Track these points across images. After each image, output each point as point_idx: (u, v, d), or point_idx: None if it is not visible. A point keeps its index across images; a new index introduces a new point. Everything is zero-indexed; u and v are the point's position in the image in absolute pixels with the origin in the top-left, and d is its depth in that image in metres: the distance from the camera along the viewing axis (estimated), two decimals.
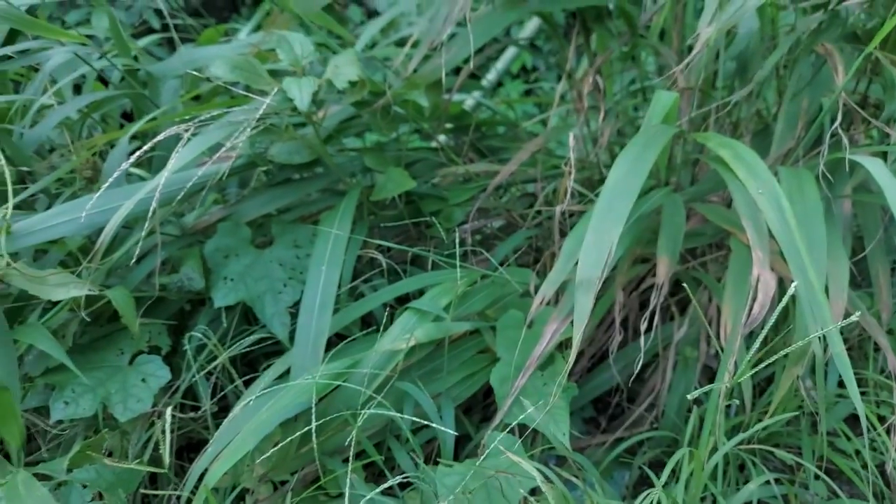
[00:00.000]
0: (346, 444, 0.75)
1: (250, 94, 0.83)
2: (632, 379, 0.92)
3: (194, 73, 0.84)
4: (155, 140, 0.79)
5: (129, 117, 1.32)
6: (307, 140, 0.94)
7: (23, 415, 0.75)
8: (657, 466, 0.91)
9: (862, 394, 1.00)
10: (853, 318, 0.49)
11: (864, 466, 0.86)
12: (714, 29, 0.70)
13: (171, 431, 0.81)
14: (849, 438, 0.89)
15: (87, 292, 0.78)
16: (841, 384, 1.04)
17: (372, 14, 2.57)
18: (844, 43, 1.01)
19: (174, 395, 0.88)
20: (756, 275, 0.65)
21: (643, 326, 0.76)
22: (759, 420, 0.87)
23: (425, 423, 0.73)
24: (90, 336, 0.88)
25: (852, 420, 0.91)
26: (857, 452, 0.88)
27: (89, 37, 1.20)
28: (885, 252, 0.95)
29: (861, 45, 0.92)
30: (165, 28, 1.33)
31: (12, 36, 1.05)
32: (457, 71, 1.09)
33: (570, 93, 1.19)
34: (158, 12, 2.16)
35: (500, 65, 1.65)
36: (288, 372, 0.82)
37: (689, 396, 0.51)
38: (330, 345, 0.85)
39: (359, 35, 1.33)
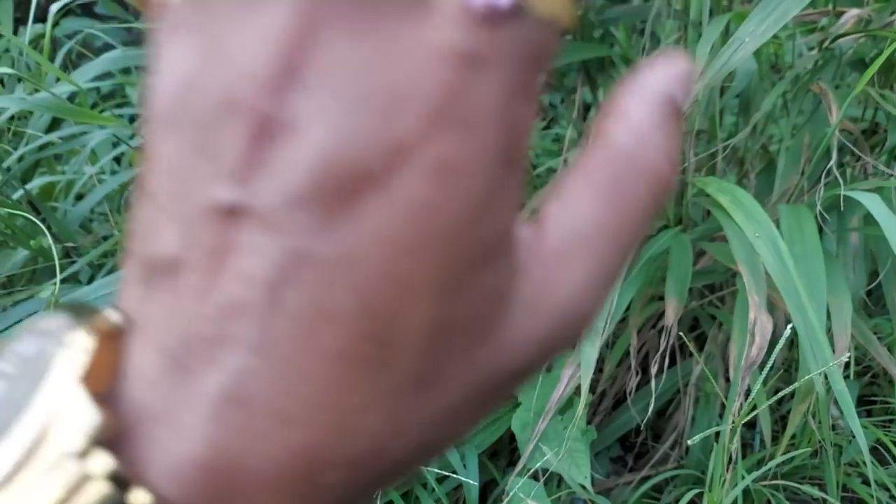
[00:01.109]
0: (374, 495, 0.78)
1: None
2: (658, 416, 0.94)
3: None
4: None
5: None
6: None
7: None
8: None
9: (889, 422, 1.00)
10: (842, 357, 0.51)
11: (893, 497, 0.86)
12: (703, 83, 0.74)
13: None
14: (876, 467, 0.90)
15: None
16: (868, 413, 1.04)
17: None
18: (851, 71, 1.03)
19: None
20: (753, 318, 0.67)
21: (654, 369, 0.78)
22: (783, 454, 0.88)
23: (448, 473, 0.76)
24: None
25: (876, 451, 0.91)
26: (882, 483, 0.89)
27: (124, 109, 1.29)
28: None
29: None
30: None
31: (56, 121, 1.14)
32: None
33: (581, 139, 1.23)
34: None
35: None
36: None
37: (689, 441, 0.54)
38: None
39: None
